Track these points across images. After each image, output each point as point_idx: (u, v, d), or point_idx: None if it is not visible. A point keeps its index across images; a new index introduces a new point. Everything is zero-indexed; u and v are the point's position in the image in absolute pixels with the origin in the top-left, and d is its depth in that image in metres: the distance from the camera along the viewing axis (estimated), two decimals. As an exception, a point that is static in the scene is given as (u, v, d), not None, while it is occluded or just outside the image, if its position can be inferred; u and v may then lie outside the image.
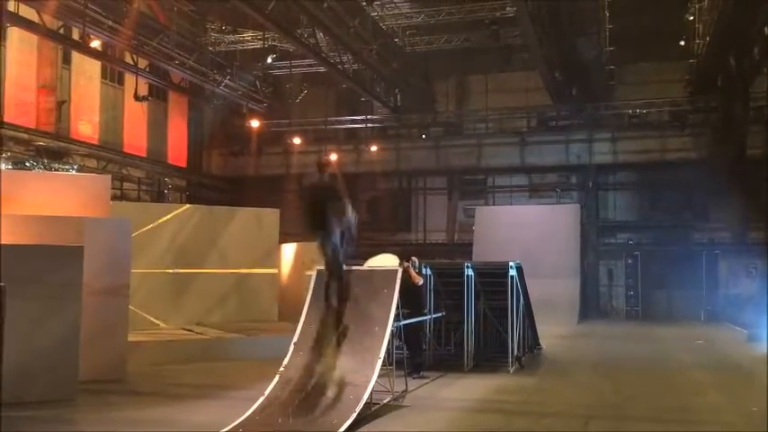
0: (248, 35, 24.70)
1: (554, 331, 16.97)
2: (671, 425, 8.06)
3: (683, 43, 23.71)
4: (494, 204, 27.47)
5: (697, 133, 24.53)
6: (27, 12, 17.79)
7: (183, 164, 27.42)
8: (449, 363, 11.94)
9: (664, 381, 11.45)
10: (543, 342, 14.91)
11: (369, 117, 28.24)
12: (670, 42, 24.19)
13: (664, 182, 25.55)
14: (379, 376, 8.24)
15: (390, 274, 9.06)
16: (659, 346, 16.70)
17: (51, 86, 20.37)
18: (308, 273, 9.94)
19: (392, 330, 8.53)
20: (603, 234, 26.37)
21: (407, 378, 9.59)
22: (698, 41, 22.30)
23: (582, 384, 11.11)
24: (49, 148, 19.93)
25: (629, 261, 26.09)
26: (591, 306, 25.26)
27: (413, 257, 11.34)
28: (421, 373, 10.69)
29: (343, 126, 28.82)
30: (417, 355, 11.02)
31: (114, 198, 17.80)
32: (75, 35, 19.67)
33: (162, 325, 14.74)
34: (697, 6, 22.05)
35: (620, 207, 26.75)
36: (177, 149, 27.05)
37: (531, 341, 14.03)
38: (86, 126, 22.12)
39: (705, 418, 8.34)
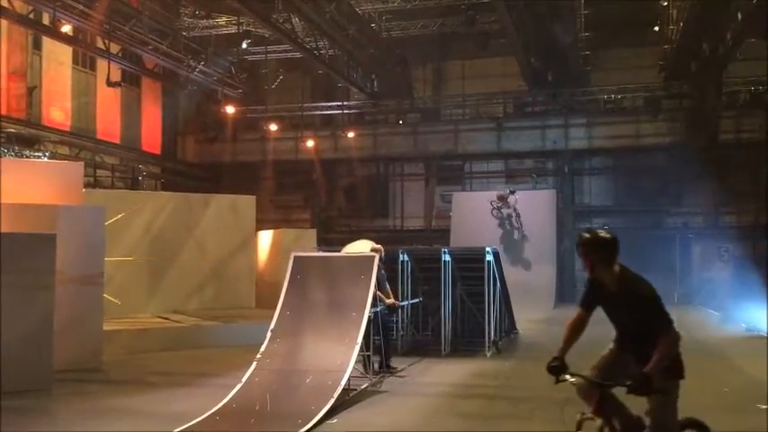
0: (223, 20, 24.42)
1: (530, 316, 17.09)
2: (645, 406, 8.15)
3: (657, 29, 23.88)
4: (471, 190, 27.55)
5: (671, 119, 24.80)
6: (-5, -4, 17.46)
7: (158, 151, 27.15)
8: (426, 348, 12.00)
9: (638, 363, 11.58)
10: (520, 326, 15.03)
11: (345, 103, 28.14)
12: (644, 28, 24.37)
13: (638, 167, 25.80)
14: (357, 362, 8.26)
15: (367, 260, 9.06)
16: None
17: (21, 72, 20.04)
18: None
19: (369, 316, 8.54)
20: (579, 219, 26.57)
21: (375, 369, 9.46)
22: (672, 27, 22.47)
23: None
24: (19, 135, 19.61)
25: (604, 245, 26.31)
26: (567, 290, 25.46)
27: (378, 246, 10.08)
28: (388, 365, 9.88)
29: (320, 112, 28.69)
30: (385, 346, 10.04)
31: (88, 186, 17.58)
32: (46, 20, 19.33)
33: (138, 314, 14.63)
34: (671, -8, 22.20)
35: (595, 192, 26.99)
36: (151, 136, 26.77)
37: (507, 326, 14.13)
38: (58, 112, 21.80)
39: (678, 399, 8.45)
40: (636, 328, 4.49)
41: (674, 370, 4.51)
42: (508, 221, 23.38)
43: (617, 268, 4.40)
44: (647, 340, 4.37)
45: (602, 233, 4.40)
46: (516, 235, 23.31)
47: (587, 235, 4.42)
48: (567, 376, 4.45)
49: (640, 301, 4.36)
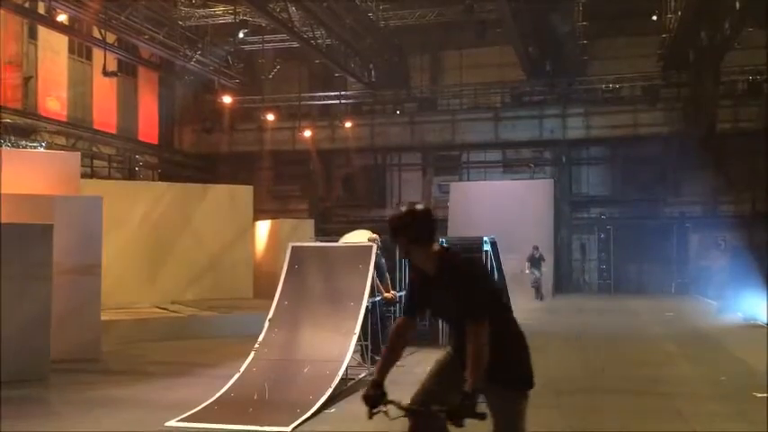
0: (219, 9, 24.28)
1: (528, 305, 17.14)
2: (641, 396, 8.19)
3: (655, 18, 23.81)
4: (468, 180, 27.55)
5: (669, 108, 24.76)
6: (-10, -15, 17.35)
7: (155, 141, 27.07)
8: (424, 338, 11.97)
9: (634, 353, 11.63)
10: (517, 316, 15.01)
11: (343, 93, 28.07)
12: (642, 17, 24.29)
13: (636, 156, 25.79)
14: (355, 352, 8.27)
15: (365, 249, 9.05)
16: (630, 319, 16.97)
17: (17, 62, 19.93)
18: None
19: (367, 306, 8.55)
20: (576, 209, 26.61)
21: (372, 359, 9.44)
22: (670, 16, 22.40)
23: (554, 357, 11.24)
24: (16, 125, 19.53)
25: (602, 235, 26.40)
26: (564, 280, 25.56)
27: (374, 236, 10.07)
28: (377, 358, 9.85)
29: (317, 102, 28.62)
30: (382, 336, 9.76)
31: (84, 176, 17.54)
32: (41, 9, 19.22)
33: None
34: (669, -19, 22.14)
35: (592, 182, 26.99)
36: (148, 126, 26.69)
37: (505, 315, 14.13)
38: (54, 102, 21.70)
39: (675, 389, 8.49)
40: (460, 322, 3.44)
41: (520, 378, 3.50)
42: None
43: (436, 247, 3.53)
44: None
45: (412, 207, 3.59)
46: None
47: (394, 213, 3.61)
48: (384, 407, 3.38)
49: (458, 283, 3.40)
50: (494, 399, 3.39)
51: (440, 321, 11.82)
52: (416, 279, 3.61)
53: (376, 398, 3.39)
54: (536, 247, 21.57)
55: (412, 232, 3.48)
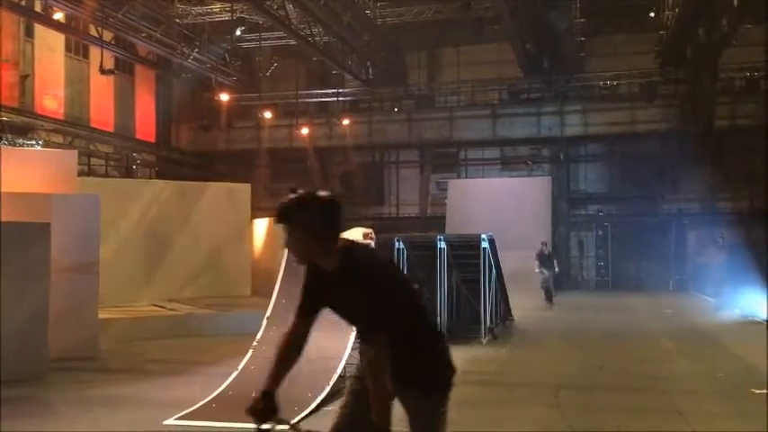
0: (216, 7, 24.25)
1: (526, 302, 17.14)
2: (640, 393, 8.20)
3: (652, 15, 23.82)
4: (466, 177, 27.56)
5: (666, 105, 24.77)
6: (-14, -17, 17.31)
7: (152, 139, 27.04)
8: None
9: (633, 350, 11.64)
10: (515, 313, 15.07)
11: (340, 90, 28.05)
12: (640, 14, 24.30)
13: (633, 153, 25.80)
14: (353, 348, 8.26)
15: (363, 247, 9.02)
16: (628, 316, 16.99)
17: (14, 60, 19.88)
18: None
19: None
20: (574, 206, 26.62)
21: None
22: (668, 13, 22.41)
23: (553, 354, 11.26)
24: (12, 123, 19.49)
25: (600, 232, 26.42)
26: (562, 277, 25.53)
27: (368, 231, 10.02)
28: None
29: (315, 100, 28.59)
30: None
31: (82, 174, 17.48)
32: (38, 7, 19.17)
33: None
34: (667, -22, 22.14)
35: (590, 179, 27.01)
36: (146, 124, 26.65)
37: (503, 312, 14.16)
38: (51, 101, 21.66)
39: (673, 385, 8.50)
40: (369, 329, 3.04)
41: (435, 381, 3.10)
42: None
43: (339, 243, 3.00)
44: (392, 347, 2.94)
45: (314, 194, 2.97)
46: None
47: (287, 200, 2.95)
48: (267, 426, 2.96)
49: (360, 283, 2.93)
50: (409, 403, 3.07)
51: (438, 319, 11.89)
52: (312, 276, 3.08)
53: (264, 412, 2.98)
54: (544, 243, 19.73)
55: (306, 223, 2.90)
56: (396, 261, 11.01)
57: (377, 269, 3.04)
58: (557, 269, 19.36)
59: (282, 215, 2.94)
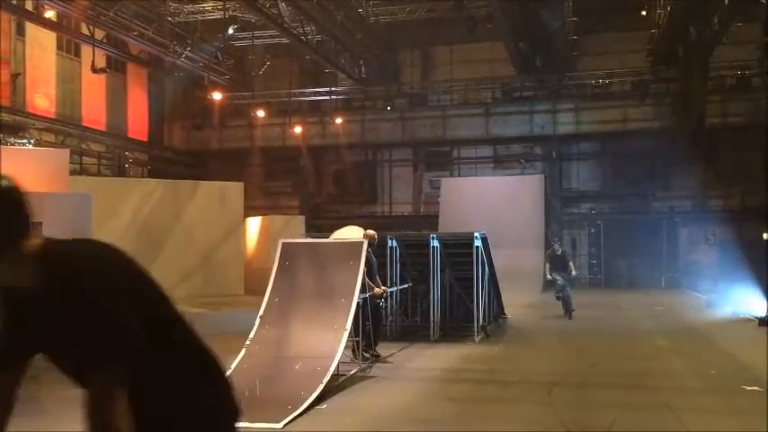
0: (208, 5, 24.19)
1: (519, 300, 17.16)
2: (632, 390, 8.23)
3: (644, 14, 23.88)
4: (459, 176, 27.57)
5: (658, 103, 24.86)
6: (-23, -19, 17.22)
7: (145, 137, 26.96)
8: (415, 333, 12.03)
9: (625, 347, 11.68)
10: (508, 311, 15.10)
11: (333, 89, 28.02)
12: (632, 13, 24.37)
13: (625, 151, 25.88)
14: (346, 348, 8.27)
15: (356, 246, 9.05)
16: (620, 314, 17.04)
17: (5, 59, 19.80)
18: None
19: (358, 302, 8.55)
20: (567, 204, 26.68)
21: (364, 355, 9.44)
22: (659, 12, 22.48)
23: (546, 352, 11.29)
24: (4, 122, 19.38)
25: (592, 230, 26.49)
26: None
27: (371, 232, 10.02)
28: (371, 354, 9.65)
29: (307, 98, 28.54)
30: (373, 332, 9.85)
31: (74, 173, 17.45)
32: (29, 5, 19.08)
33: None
34: (658, -23, 22.20)
35: (582, 177, 27.07)
36: (138, 123, 26.57)
37: (496, 310, 14.19)
38: (43, 99, 21.57)
39: (665, 382, 8.53)
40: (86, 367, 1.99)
41: (208, 427, 2.24)
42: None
43: (33, 245, 2.08)
44: (133, 393, 1.95)
45: None
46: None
47: None
48: None
49: (70, 308, 1.94)
50: None
51: (431, 318, 11.90)
52: (3, 306, 2.06)
53: None
54: (556, 241, 17.23)
55: None
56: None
57: (90, 270, 2.02)
58: (574, 272, 15.98)
59: None
